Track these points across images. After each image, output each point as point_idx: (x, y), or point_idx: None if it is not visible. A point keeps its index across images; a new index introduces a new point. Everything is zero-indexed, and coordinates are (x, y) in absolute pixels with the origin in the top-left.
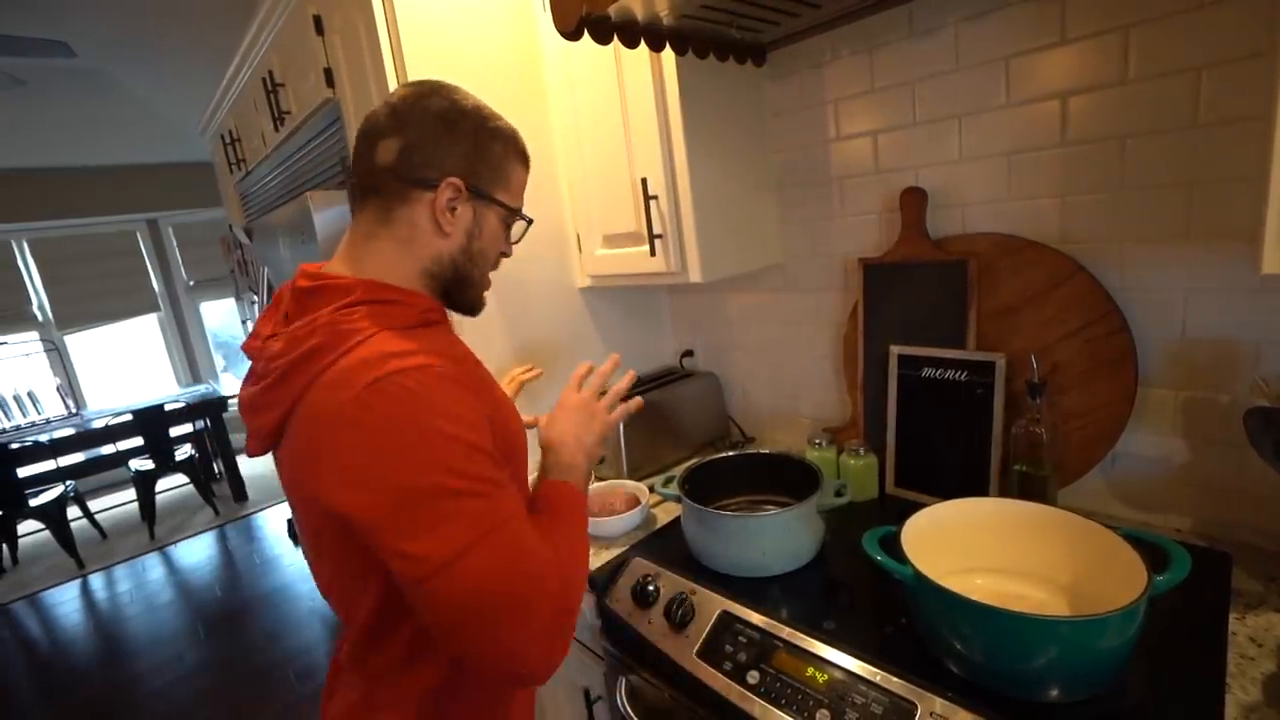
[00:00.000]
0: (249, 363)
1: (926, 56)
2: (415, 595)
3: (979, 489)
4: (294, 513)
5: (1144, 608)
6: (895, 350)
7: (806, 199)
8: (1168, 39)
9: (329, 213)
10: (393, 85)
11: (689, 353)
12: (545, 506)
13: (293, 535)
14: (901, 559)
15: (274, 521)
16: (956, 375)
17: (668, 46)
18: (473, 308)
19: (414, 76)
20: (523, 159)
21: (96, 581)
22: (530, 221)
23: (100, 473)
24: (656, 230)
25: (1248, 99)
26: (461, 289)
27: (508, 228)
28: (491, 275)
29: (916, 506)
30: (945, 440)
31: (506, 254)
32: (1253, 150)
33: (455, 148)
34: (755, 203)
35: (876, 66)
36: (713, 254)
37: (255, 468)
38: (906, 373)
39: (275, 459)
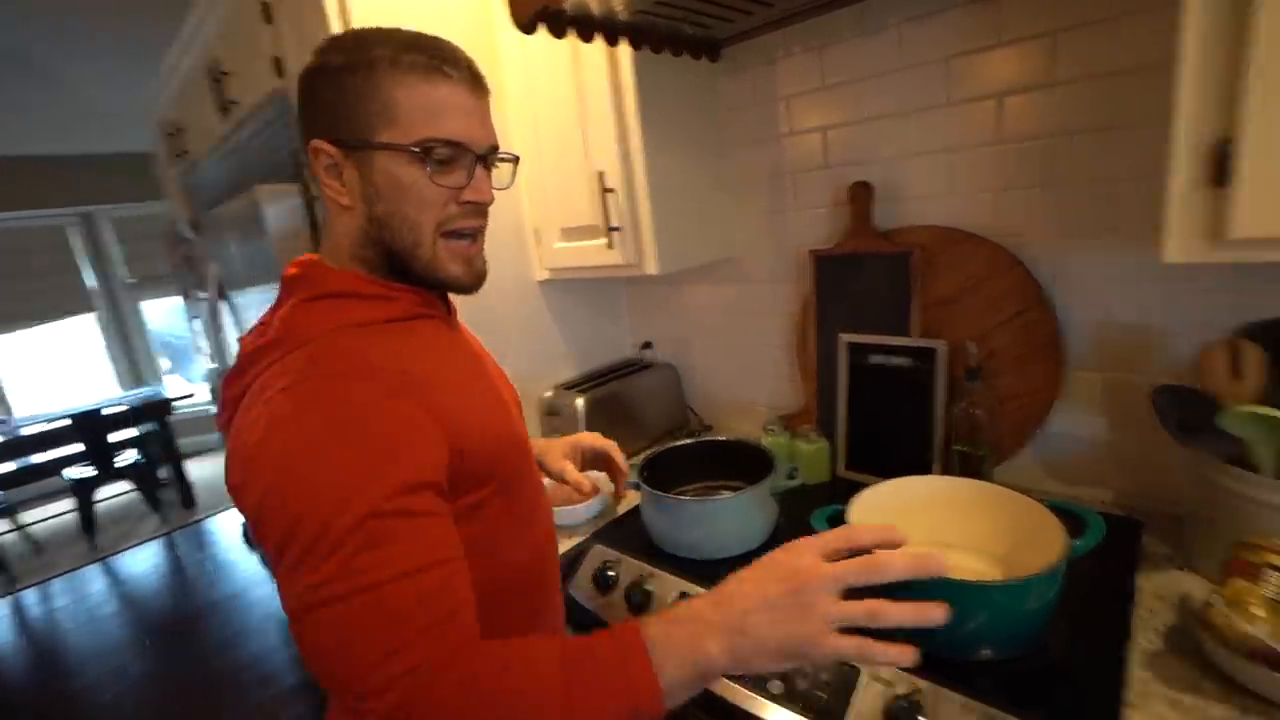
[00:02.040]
0: (211, 363)
1: (873, 55)
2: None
3: (923, 468)
4: None
5: (1063, 571)
6: (844, 338)
7: (760, 192)
8: (1090, 45)
9: (279, 207)
10: None
11: (648, 344)
12: (584, 646)
13: (247, 539)
14: None
15: (226, 526)
16: (902, 361)
17: (624, 41)
18: (448, 283)
19: None
20: (424, 71)
21: (30, 597)
22: (455, 145)
23: (33, 482)
24: (614, 223)
25: (1157, 101)
26: (409, 263)
27: (424, 166)
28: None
29: (865, 487)
30: (892, 423)
31: (473, 201)
32: (1164, 150)
33: (316, 105)
34: (711, 196)
35: (826, 64)
36: (669, 246)
37: (205, 472)
38: (856, 360)
39: None
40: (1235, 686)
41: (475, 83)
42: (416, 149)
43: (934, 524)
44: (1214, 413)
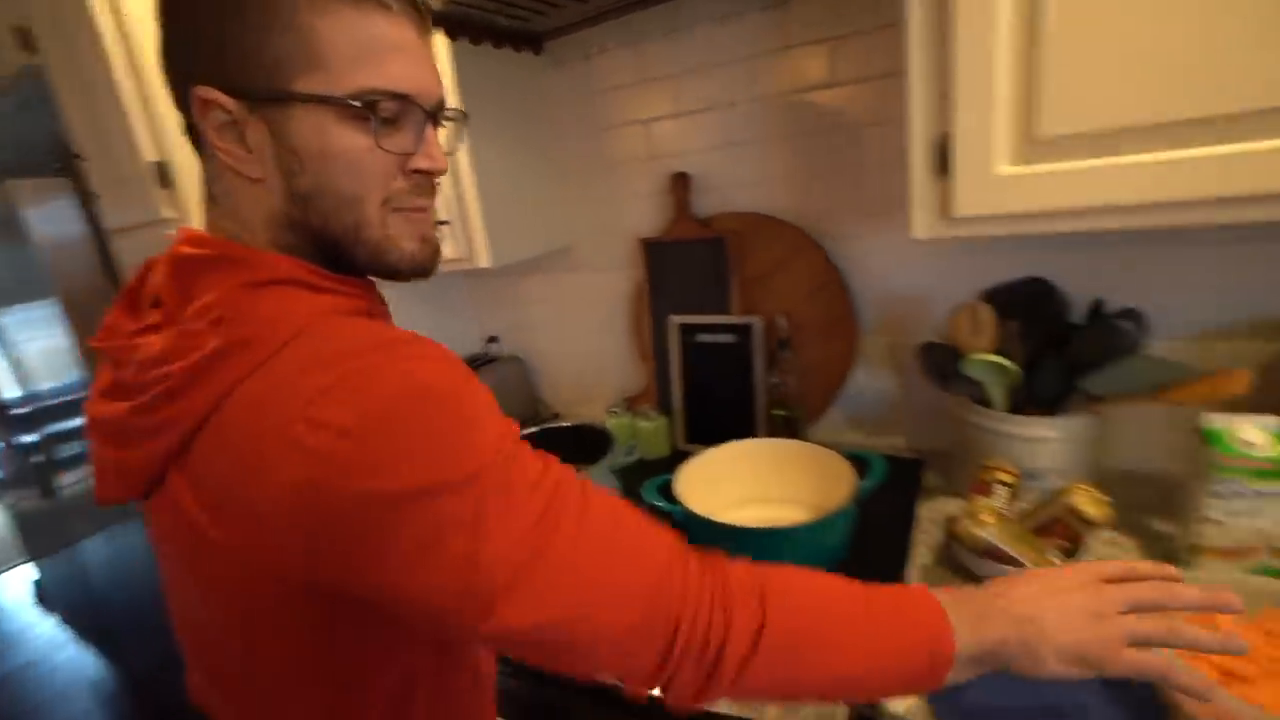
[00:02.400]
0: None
1: (684, 53)
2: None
3: (749, 434)
4: (176, 585)
5: (852, 508)
6: (674, 320)
7: (591, 183)
8: (862, 52)
9: (43, 208)
10: (111, 46)
11: (493, 338)
12: (890, 594)
13: (42, 600)
14: (674, 501)
15: (9, 589)
16: (726, 338)
17: (439, 31)
18: (401, 267)
19: (136, 36)
20: None
21: None
22: (403, 99)
23: None
24: (443, 217)
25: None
26: (351, 251)
27: (366, 126)
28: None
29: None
30: (722, 396)
31: (426, 170)
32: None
33: (195, 36)
34: (542, 187)
35: (643, 60)
36: (501, 239)
37: None
38: (686, 339)
39: (148, 507)
40: (974, 578)
41: (418, 15)
42: (356, 103)
43: (756, 482)
44: (960, 362)
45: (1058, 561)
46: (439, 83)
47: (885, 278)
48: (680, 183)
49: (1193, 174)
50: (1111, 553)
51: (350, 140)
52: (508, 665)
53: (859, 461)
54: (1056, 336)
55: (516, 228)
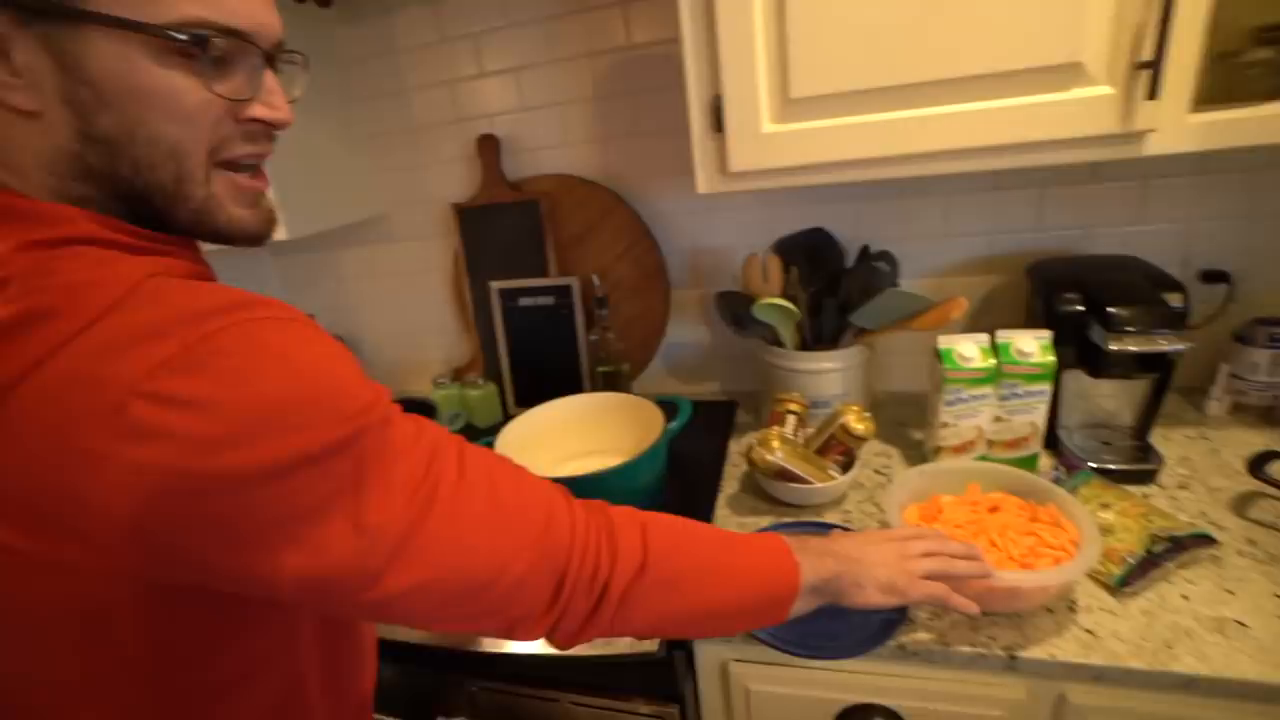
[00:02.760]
0: None
1: (483, 11)
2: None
3: (576, 393)
4: None
5: (661, 449)
6: (494, 286)
7: (396, 148)
8: (650, 16)
9: None
10: None
11: (310, 317)
12: (745, 538)
13: None
14: None
15: None
16: (546, 300)
17: None
18: (229, 233)
19: None
20: None
21: None
22: (236, 35)
23: None
24: None
25: None
26: (170, 208)
27: (192, 64)
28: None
29: None
30: (546, 358)
31: (264, 120)
32: None
33: None
34: (342, 153)
35: (442, 18)
36: (299, 208)
37: None
38: (508, 304)
39: None
40: (771, 499)
41: None
42: (181, 36)
43: (579, 437)
44: (751, 307)
45: (837, 475)
46: (278, 18)
47: (691, 234)
48: (488, 146)
49: (918, 131)
50: (881, 461)
51: (170, 79)
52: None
53: (669, 406)
54: (833, 279)
55: (315, 197)
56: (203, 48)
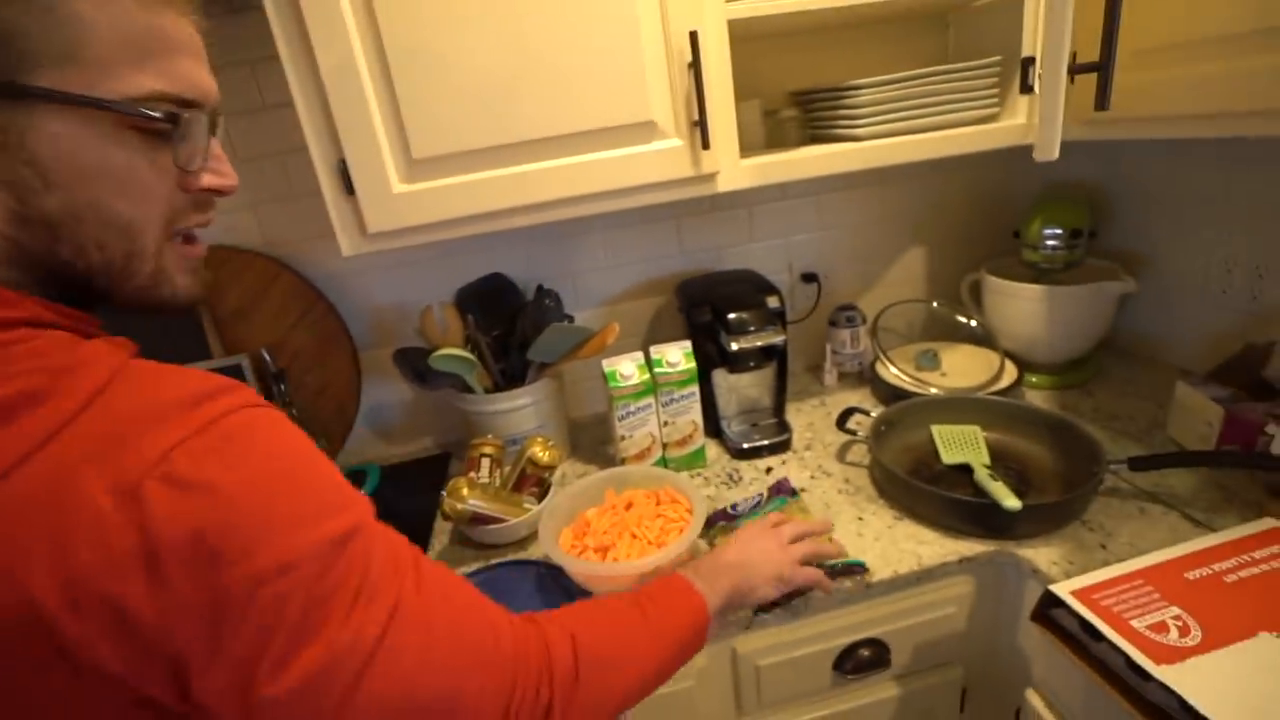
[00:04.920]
0: None
1: None
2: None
3: None
4: None
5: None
6: None
7: None
8: (279, 77)
9: None
10: None
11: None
12: (651, 594)
13: None
14: None
15: None
16: None
17: None
18: (170, 304)
19: None
20: None
21: None
22: (190, 105)
23: None
24: None
25: None
26: (115, 286)
27: (146, 137)
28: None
29: None
30: None
31: (215, 189)
32: None
33: None
34: None
35: None
36: None
37: None
38: None
39: None
40: (477, 545)
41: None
42: (157, 114)
43: None
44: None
45: (532, 507)
46: (214, 81)
47: (369, 293)
48: None
49: (535, 183)
50: (569, 486)
51: (125, 156)
52: None
53: (358, 475)
54: (513, 321)
55: None
56: (174, 123)
